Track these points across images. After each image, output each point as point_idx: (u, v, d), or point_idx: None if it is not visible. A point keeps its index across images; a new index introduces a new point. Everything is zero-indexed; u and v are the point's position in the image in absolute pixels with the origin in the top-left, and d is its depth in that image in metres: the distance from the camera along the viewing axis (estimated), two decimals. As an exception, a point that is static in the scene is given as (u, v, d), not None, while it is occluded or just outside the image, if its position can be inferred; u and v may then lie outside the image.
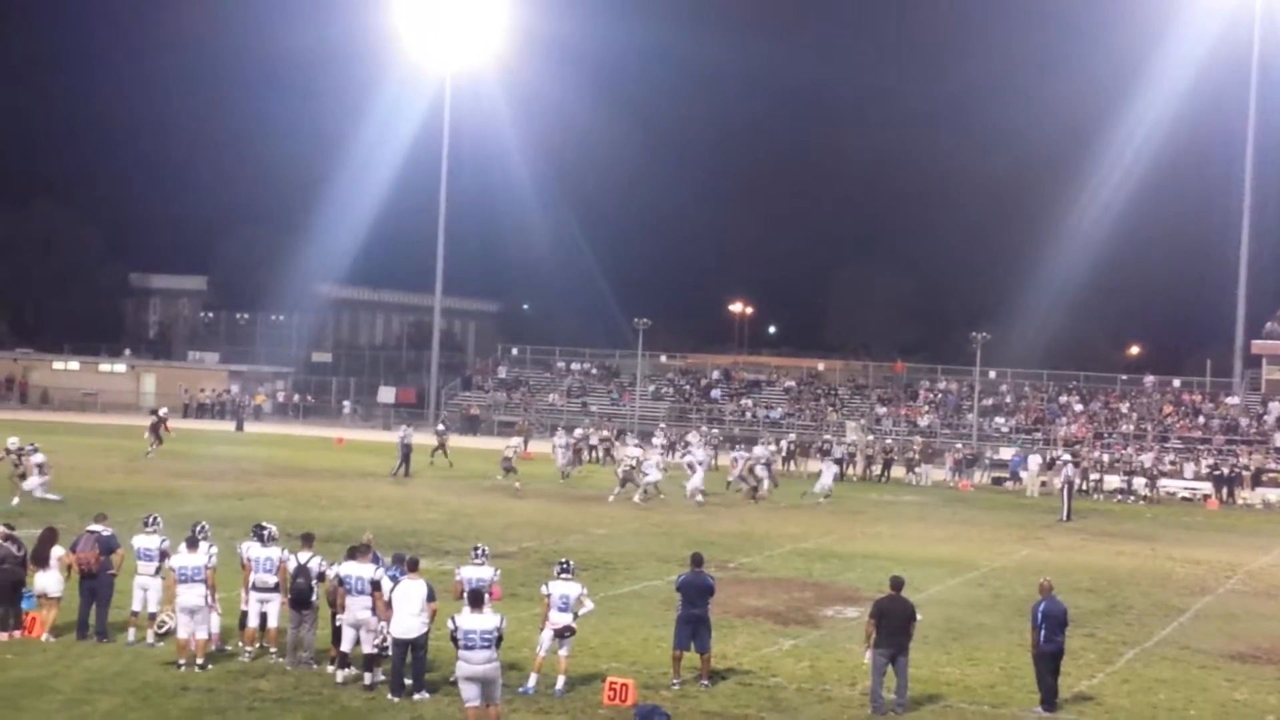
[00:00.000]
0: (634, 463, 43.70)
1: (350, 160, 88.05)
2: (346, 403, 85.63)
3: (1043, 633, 18.42)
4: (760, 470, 46.54)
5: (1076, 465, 49.97)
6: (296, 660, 18.79)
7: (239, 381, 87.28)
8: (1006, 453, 61.26)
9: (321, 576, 18.92)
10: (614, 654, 20.50)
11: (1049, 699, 18.37)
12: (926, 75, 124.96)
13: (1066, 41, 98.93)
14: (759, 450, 48.89)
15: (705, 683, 18.88)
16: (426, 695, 17.50)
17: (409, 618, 17.42)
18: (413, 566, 17.94)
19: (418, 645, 17.51)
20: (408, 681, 17.55)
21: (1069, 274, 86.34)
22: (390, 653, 17.90)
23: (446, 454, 50.75)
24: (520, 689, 17.95)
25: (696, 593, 19.07)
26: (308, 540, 19.50)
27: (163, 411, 52.16)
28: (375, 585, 18.12)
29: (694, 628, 18.95)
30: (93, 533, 20.35)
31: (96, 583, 19.93)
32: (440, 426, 54.13)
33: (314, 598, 18.88)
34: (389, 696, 17.41)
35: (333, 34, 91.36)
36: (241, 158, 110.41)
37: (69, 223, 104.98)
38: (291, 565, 19.04)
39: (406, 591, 17.56)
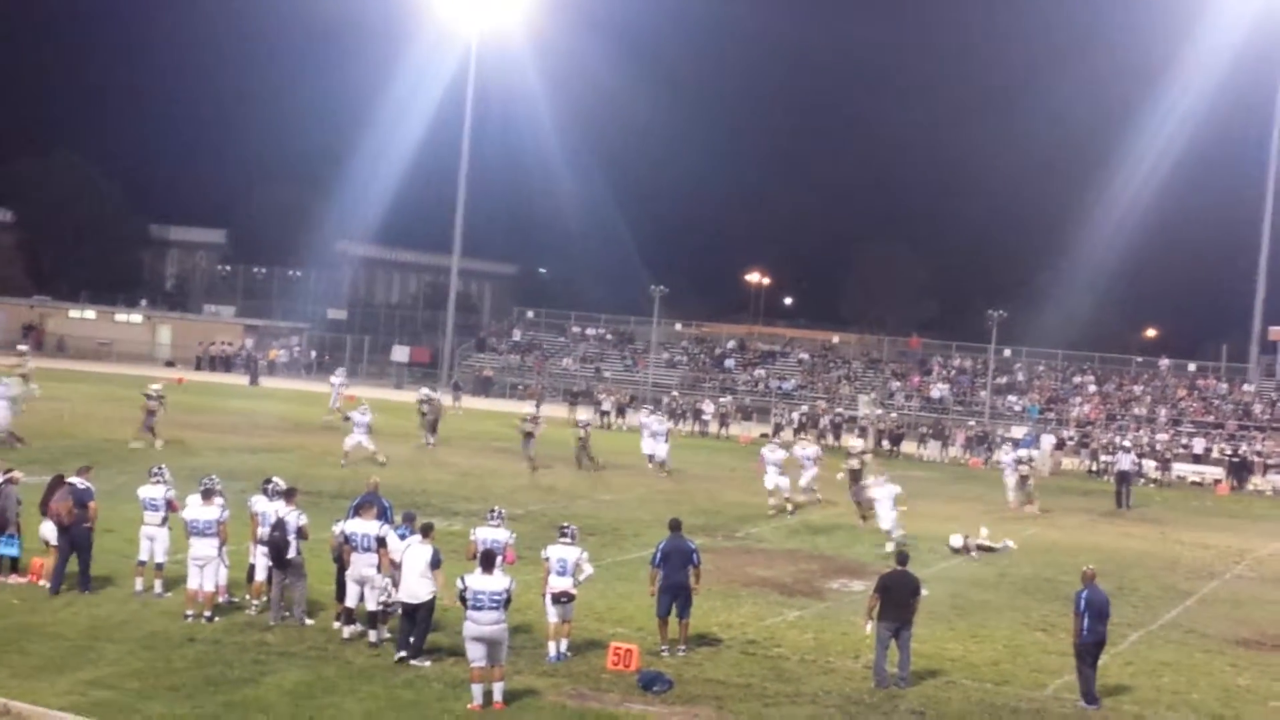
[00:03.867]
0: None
1: (374, 118, 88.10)
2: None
3: (1085, 622, 17.87)
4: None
5: (1130, 452, 47.49)
6: (280, 617, 18.81)
7: (254, 336, 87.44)
8: (1018, 431, 61.18)
9: (300, 532, 18.89)
10: (619, 619, 20.55)
11: (1090, 691, 17.88)
12: (959, 54, 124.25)
13: (1099, 27, 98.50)
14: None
15: (682, 649, 18.89)
16: (427, 663, 17.32)
17: (414, 582, 17.35)
18: (425, 532, 17.78)
19: (421, 610, 17.39)
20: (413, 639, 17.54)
21: (1088, 255, 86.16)
22: (394, 610, 17.98)
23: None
24: (547, 659, 17.97)
25: (679, 559, 19.05)
26: (289, 495, 19.51)
27: None
28: (380, 541, 18.18)
29: (674, 594, 18.97)
30: (68, 484, 20.28)
31: (72, 534, 19.82)
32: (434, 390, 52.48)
33: (291, 553, 18.82)
34: (396, 656, 17.32)
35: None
36: (265, 112, 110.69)
37: (89, 172, 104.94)
38: (272, 519, 19.04)
39: (413, 556, 17.48)
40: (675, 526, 19.55)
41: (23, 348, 54.52)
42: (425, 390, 47.76)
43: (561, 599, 18.21)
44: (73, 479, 20.42)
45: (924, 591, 18.86)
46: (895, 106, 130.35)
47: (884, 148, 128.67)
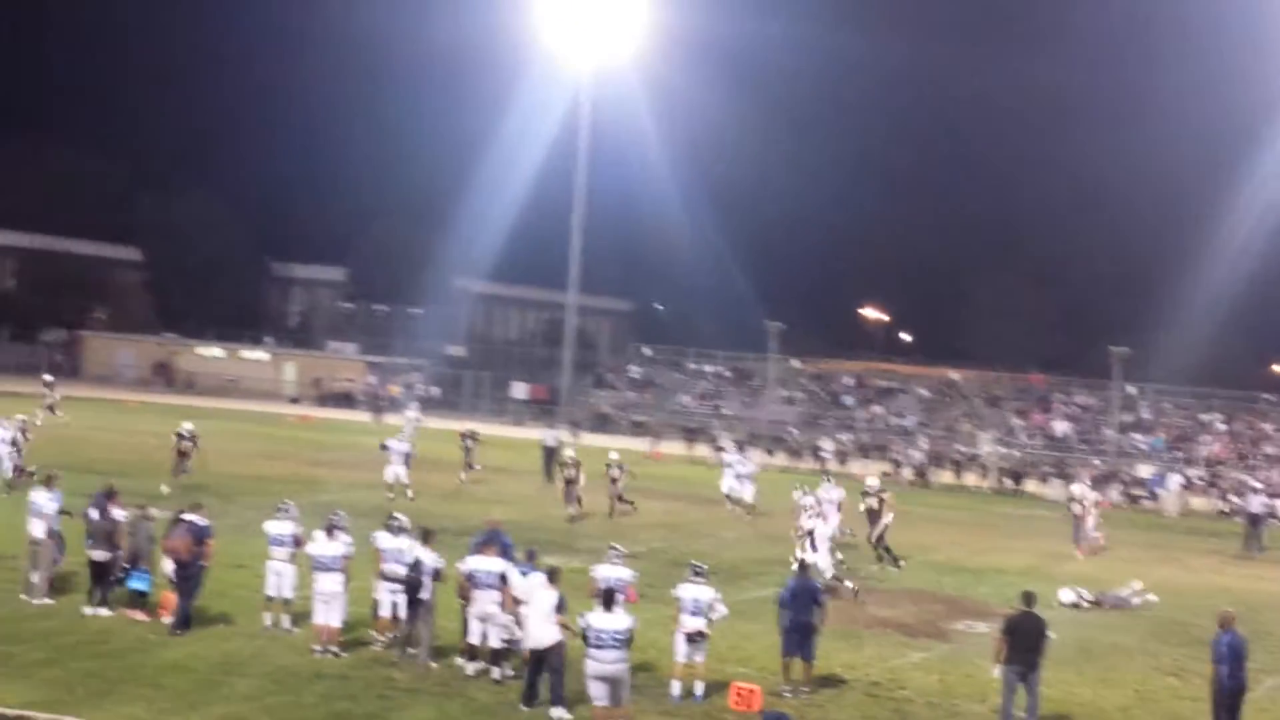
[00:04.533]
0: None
1: (490, 156, 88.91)
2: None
3: (1226, 669, 17.31)
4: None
5: (1260, 493, 45.19)
6: (405, 655, 18.90)
7: (376, 372, 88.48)
8: (1145, 470, 60.10)
9: (436, 574, 18.97)
10: (741, 659, 20.45)
11: None
12: (1079, 80, 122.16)
13: (1225, 49, 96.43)
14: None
15: (805, 690, 18.75)
16: (565, 715, 16.80)
17: (539, 626, 17.10)
18: (551, 577, 17.47)
19: (551, 654, 17.01)
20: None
21: (1214, 288, 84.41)
22: (518, 648, 18.07)
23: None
24: (670, 698, 17.92)
25: (805, 599, 18.95)
26: (427, 535, 19.66)
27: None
28: (503, 579, 18.24)
29: (800, 634, 18.85)
30: (186, 521, 20.40)
31: (187, 571, 19.90)
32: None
33: (423, 594, 18.92)
34: (520, 706, 17.05)
35: (475, 30, 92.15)
36: (383, 151, 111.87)
37: (215, 210, 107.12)
38: (408, 557, 19.16)
39: (539, 600, 17.23)
40: (803, 567, 19.45)
41: (48, 378, 55.84)
42: (470, 426, 46.35)
43: (695, 638, 18.16)
44: (189, 515, 20.56)
45: (1051, 634, 18.55)
46: (1015, 136, 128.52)
47: (1001, 178, 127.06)
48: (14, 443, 34.04)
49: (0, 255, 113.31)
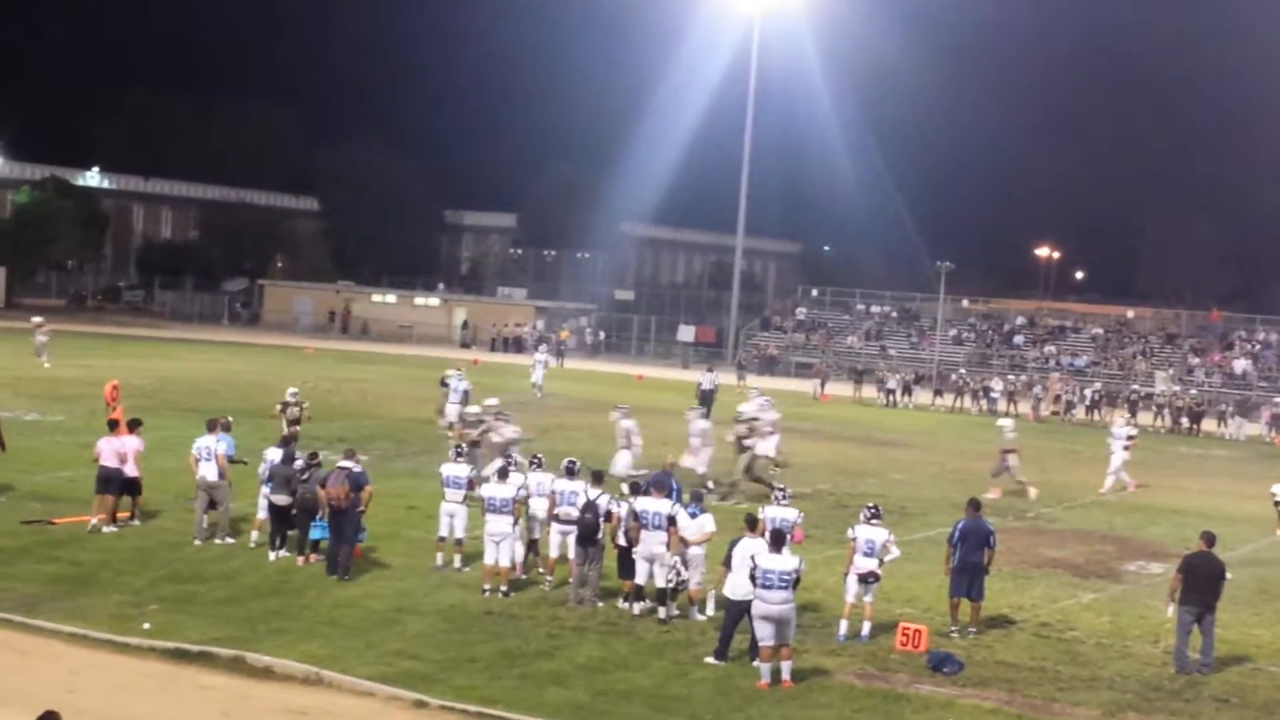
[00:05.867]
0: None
1: (657, 100, 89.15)
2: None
3: None
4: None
5: None
6: (579, 598, 19.06)
7: (545, 317, 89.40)
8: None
9: (609, 515, 19.15)
10: (907, 599, 20.38)
11: None
12: (1254, 4, 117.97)
13: None
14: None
15: (973, 630, 18.62)
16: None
17: (746, 580, 16.45)
18: (751, 525, 17.29)
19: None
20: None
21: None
22: (683, 588, 18.28)
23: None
24: (835, 637, 17.97)
25: (975, 540, 18.77)
26: (598, 477, 19.86)
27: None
28: (671, 520, 18.39)
29: (969, 575, 18.70)
30: (343, 469, 20.36)
31: (344, 519, 19.94)
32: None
33: (599, 535, 19.11)
34: (711, 660, 16.67)
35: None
36: (551, 98, 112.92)
37: (391, 161, 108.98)
38: (580, 501, 19.40)
39: (745, 551, 16.65)
40: (975, 507, 19.27)
41: (38, 319, 53.27)
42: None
43: (868, 579, 18.15)
44: (345, 463, 20.50)
45: (1229, 575, 18.18)
46: (1187, 66, 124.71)
47: (1178, 110, 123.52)
48: None
49: (184, 206, 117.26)
